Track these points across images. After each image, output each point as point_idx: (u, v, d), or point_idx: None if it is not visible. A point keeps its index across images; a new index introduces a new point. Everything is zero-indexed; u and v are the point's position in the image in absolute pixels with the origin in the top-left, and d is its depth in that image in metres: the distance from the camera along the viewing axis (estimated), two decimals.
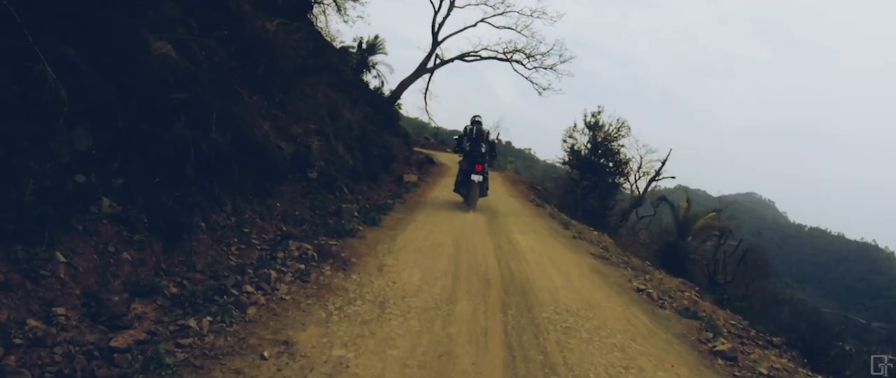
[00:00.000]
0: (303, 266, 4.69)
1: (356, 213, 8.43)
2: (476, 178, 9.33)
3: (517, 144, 52.45)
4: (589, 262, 7.43)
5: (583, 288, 5.67)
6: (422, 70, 20.87)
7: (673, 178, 17.26)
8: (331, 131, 10.88)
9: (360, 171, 11.78)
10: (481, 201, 10.51)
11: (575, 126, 18.77)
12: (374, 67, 19.41)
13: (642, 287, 6.36)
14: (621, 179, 17.73)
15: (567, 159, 18.81)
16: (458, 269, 5.44)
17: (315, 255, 5.10)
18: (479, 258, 6.14)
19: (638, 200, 17.36)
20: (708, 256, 16.08)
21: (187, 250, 4.28)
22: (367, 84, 17.89)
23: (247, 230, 5.61)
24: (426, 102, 22.34)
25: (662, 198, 17.34)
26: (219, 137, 4.70)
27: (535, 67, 21.53)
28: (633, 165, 18.96)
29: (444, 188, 12.43)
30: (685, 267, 16.21)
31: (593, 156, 18.18)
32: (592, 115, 18.88)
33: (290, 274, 4.40)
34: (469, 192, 9.54)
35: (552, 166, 60.16)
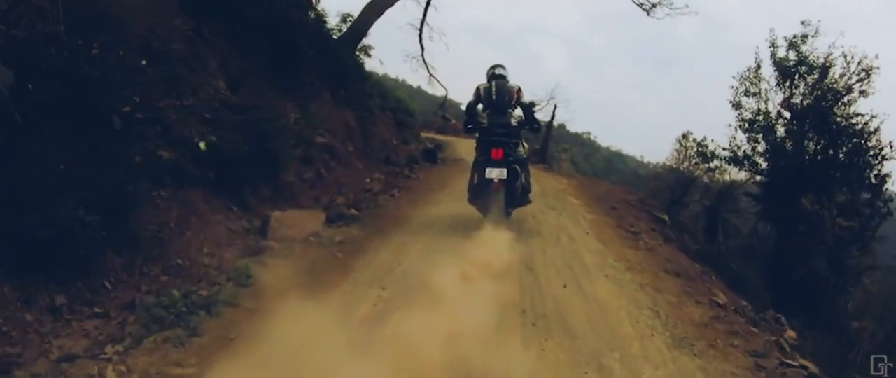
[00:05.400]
0: None
1: None
2: (494, 172, 4.48)
3: (572, 128, 40.88)
4: None
5: None
6: None
7: None
8: None
9: None
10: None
11: (758, 68, 8.12)
12: None
13: None
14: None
15: (741, 151, 8.20)
16: None
17: None
18: None
19: None
20: None
21: None
22: None
23: None
24: (422, 48, 12.39)
25: None
26: None
27: None
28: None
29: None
30: None
31: (807, 138, 7.53)
32: (790, 43, 8.17)
33: None
34: (487, 203, 4.59)
35: (618, 154, 47.82)
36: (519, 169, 4.67)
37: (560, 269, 3.85)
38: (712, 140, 9.08)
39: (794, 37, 8.12)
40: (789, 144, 7.62)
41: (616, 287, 3.66)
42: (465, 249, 3.74)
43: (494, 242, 3.99)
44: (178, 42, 5.79)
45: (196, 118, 5.14)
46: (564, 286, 3.49)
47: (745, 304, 4.31)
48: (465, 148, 11.82)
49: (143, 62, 5.15)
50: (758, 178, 8.32)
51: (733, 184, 11.29)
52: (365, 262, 3.59)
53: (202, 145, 4.80)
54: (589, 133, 44.55)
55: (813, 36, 8.05)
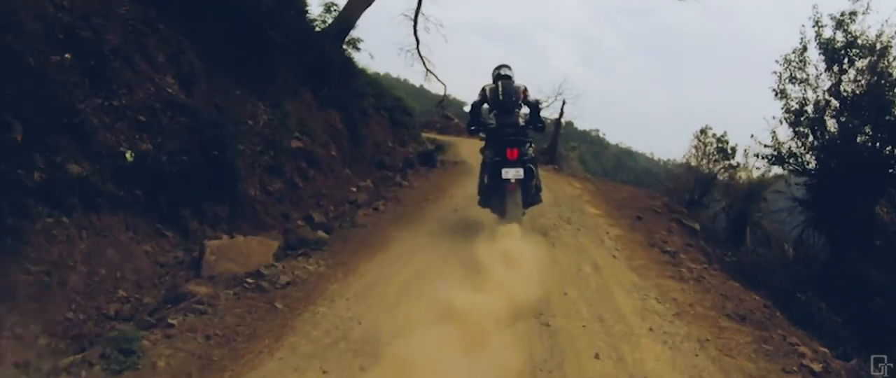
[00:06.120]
0: None
1: None
2: (510, 173, 4.46)
3: (581, 125, 39.77)
4: None
5: None
6: None
7: None
8: None
9: None
10: None
11: (804, 50, 7.08)
12: None
13: None
14: None
15: (786, 148, 7.14)
16: None
17: None
18: None
19: None
20: None
21: None
22: None
23: None
24: (417, 40, 11.40)
25: None
26: None
27: None
28: None
29: None
30: None
31: (860, 131, 6.49)
32: (837, 22, 7.13)
33: None
34: (504, 204, 4.48)
35: (627, 152, 46.31)
36: (533, 168, 4.75)
37: (587, 322, 2.82)
38: (752, 135, 7.97)
39: (842, 14, 7.05)
40: (840, 139, 6.53)
41: (668, 350, 2.58)
42: (455, 292, 2.75)
43: (496, 279, 3.00)
44: (115, 32, 4.85)
45: (127, 122, 4.20)
46: (596, 356, 2.49)
47: (826, 351, 3.28)
48: (468, 149, 10.93)
49: (67, 55, 4.28)
50: (789, 175, 7.28)
51: (762, 183, 10.24)
52: (312, 319, 2.59)
53: (128, 156, 3.86)
54: (597, 130, 43.33)
55: (863, 13, 6.99)
